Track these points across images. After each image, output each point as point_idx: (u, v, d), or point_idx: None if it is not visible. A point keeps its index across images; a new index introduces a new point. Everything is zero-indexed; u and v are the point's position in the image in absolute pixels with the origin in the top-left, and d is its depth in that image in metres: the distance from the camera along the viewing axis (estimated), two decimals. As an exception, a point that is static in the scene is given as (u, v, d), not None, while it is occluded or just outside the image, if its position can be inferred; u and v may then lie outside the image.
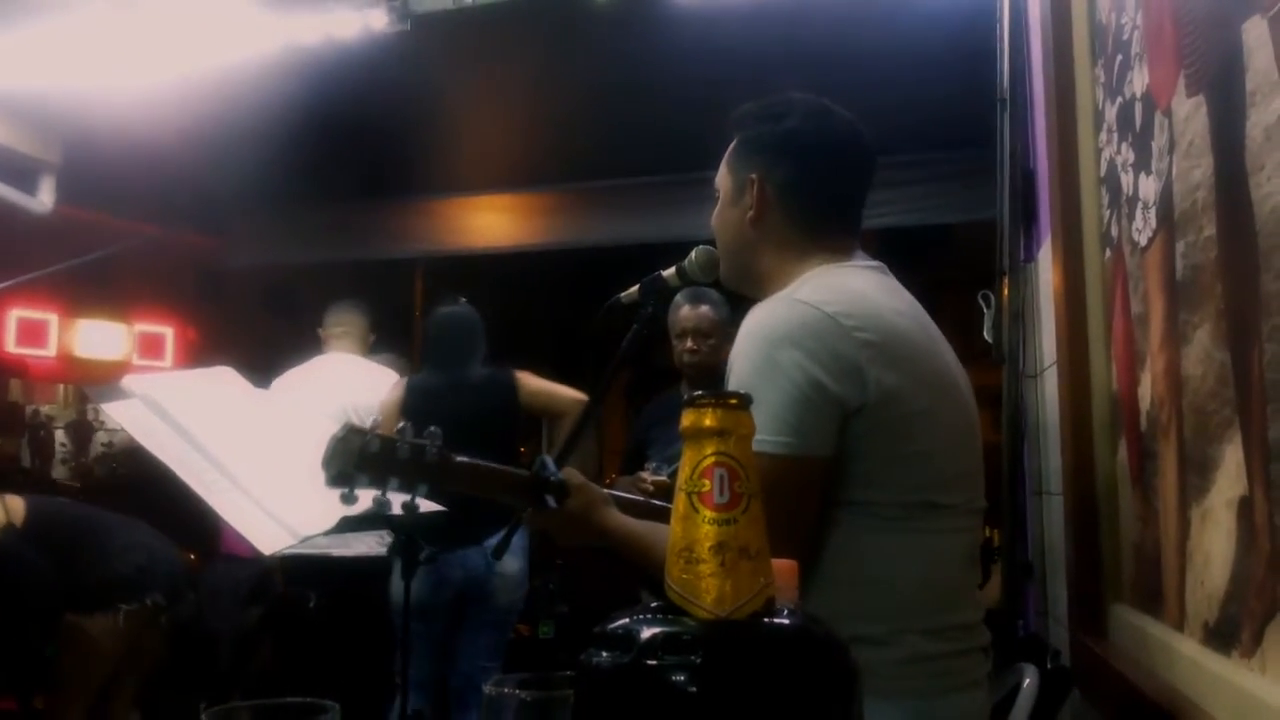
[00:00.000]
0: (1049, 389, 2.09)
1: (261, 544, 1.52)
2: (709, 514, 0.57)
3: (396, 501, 1.33)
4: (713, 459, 0.57)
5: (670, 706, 0.53)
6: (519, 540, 3.27)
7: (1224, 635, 0.98)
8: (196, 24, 3.05)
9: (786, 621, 0.58)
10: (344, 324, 3.76)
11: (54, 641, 3.36)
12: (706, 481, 0.57)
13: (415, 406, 3.23)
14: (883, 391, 1.18)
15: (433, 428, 1.31)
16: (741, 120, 1.42)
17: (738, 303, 1.64)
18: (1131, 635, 1.36)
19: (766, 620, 0.57)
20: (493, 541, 3.29)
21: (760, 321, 1.24)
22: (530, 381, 3.41)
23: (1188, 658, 1.09)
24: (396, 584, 3.14)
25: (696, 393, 0.60)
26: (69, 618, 3.06)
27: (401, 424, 1.30)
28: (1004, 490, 2.33)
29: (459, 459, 1.33)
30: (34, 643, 3.22)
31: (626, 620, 0.58)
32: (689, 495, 0.58)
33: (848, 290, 1.26)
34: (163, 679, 3.27)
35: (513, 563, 3.36)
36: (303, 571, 3.43)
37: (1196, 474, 1.05)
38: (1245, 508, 0.90)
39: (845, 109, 1.41)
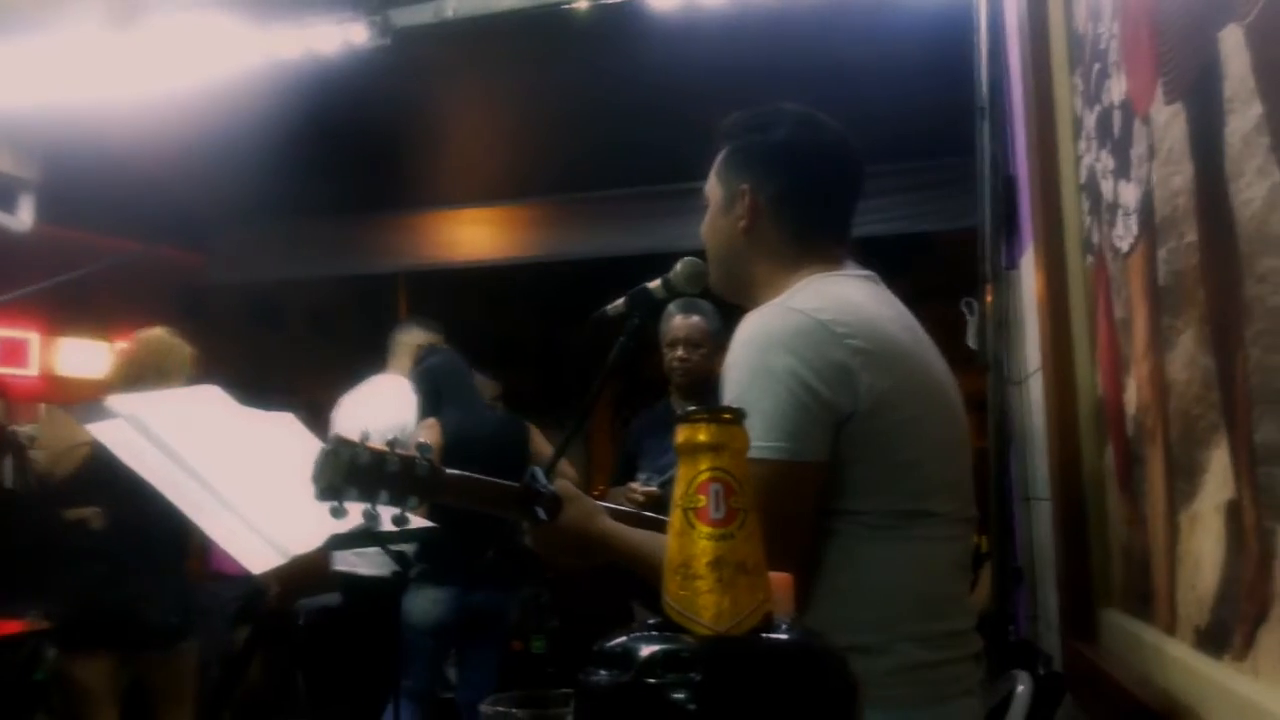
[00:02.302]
0: (1034, 395, 2.10)
1: (251, 563, 1.51)
2: (705, 530, 0.56)
3: (386, 515, 1.33)
4: (708, 474, 0.57)
5: (671, 725, 0.53)
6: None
7: (1215, 638, 0.98)
8: (176, 40, 3.04)
9: (785, 637, 0.58)
10: (399, 342, 3.80)
11: (41, 667, 3.29)
12: (702, 497, 0.57)
13: (463, 451, 3.10)
14: (874, 398, 1.19)
15: (422, 440, 1.31)
16: (731, 130, 1.42)
17: (730, 314, 1.64)
18: (1123, 640, 1.37)
19: (765, 636, 0.57)
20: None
21: (753, 328, 1.24)
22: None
23: (1179, 661, 1.09)
24: (418, 604, 3.25)
25: (690, 408, 0.60)
26: (53, 653, 2.96)
27: (391, 436, 1.30)
28: (991, 496, 2.34)
29: (449, 471, 1.33)
30: (21, 668, 3.15)
31: (625, 638, 0.57)
32: (685, 511, 0.57)
33: (840, 298, 1.27)
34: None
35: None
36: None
37: (1184, 478, 1.06)
38: (1233, 511, 0.91)
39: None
